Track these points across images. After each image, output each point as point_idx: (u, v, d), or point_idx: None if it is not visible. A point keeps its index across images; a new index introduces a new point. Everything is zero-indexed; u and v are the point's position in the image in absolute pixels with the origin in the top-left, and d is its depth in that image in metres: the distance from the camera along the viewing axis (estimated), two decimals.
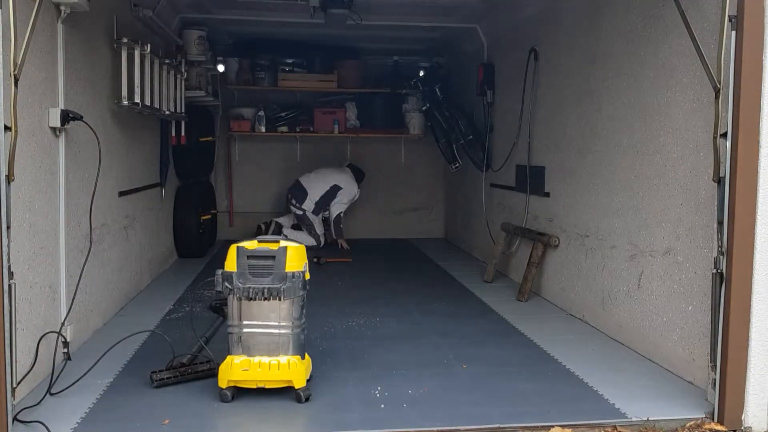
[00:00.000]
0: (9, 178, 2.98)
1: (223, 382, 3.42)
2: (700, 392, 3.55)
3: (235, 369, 3.40)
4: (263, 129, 8.92)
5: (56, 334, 3.78)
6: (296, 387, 3.40)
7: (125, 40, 4.91)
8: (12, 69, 3.01)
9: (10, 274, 2.99)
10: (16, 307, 3.08)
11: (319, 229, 8.40)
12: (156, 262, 6.52)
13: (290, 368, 3.39)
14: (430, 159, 9.21)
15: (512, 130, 6.45)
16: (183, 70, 6.81)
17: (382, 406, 3.43)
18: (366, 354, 4.27)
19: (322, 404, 3.45)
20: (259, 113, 8.88)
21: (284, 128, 9.01)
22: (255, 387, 3.43)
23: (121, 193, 5.25)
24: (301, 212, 8.32)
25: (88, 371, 3.66)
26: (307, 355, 3.58)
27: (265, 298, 3.39)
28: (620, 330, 4.48)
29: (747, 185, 3.18)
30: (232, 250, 3.47)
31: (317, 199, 8.30)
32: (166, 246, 7.04)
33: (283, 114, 9.06)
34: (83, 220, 4.19)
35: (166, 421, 3.19)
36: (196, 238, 7.61)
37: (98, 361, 3.76)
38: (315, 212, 8.34)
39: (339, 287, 6.31)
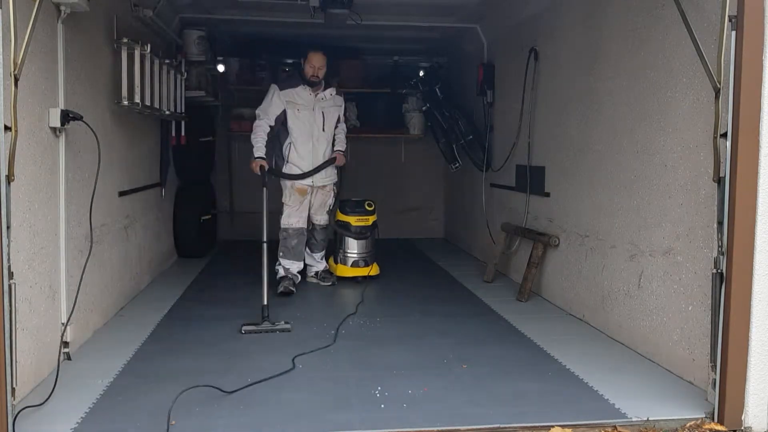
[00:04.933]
0: (9, 178, 2.98)
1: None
2: (700, 392, 3.55)
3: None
4: None
5: (56, 334, 3.79)
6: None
7: (125, 40, 4.91)
8: (12, 69, 3.01)
9: (10, 274, 2.99)
10: (16, 307, 3.08)
11: None
12: (156, 262, 6.52)
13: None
14: (430, 159, 9.20)
15: (512, 130, 6.46)
16: (183, 70, 6.81)
17: (382, 406, 3.43)
18: (366, 354, 4.27)
19: (322, 404, 3.46)
20: None
21: None
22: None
23: (121, 193, 5.25)
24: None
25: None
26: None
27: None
28: (620, 330, 4.48)
29: (747, 185, 3.18)
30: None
31: None
32: (166, 246, 7.04)
33: None
34: (83, 220, 4.19)
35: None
36: (196, 238, 7.61)
37: None
38: None
39: (339, 287, 6.31)
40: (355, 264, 6.51)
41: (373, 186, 9.22)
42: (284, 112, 5.99)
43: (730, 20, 3.19)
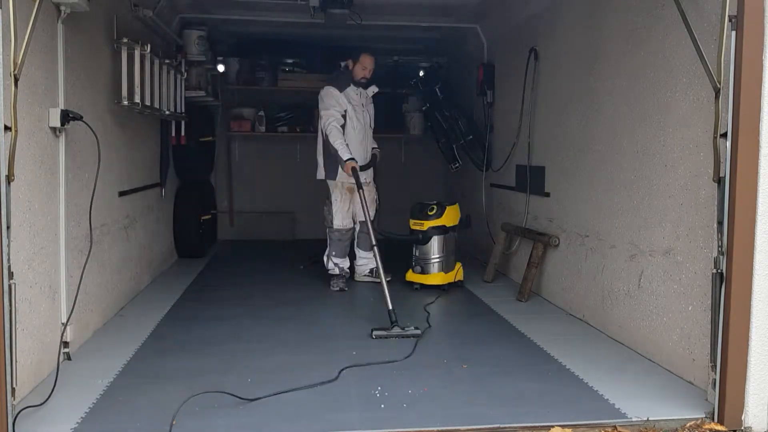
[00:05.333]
0: (9, 178, 2.98)
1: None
2: (700, 392, 3.55)
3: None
4: (263, 129, 8.92)
5: (56, 334, 3.79)
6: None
7: (125, 40, 4.91)
8: (12, 69, 3.01)
9: (10, 274, 2.99)
10: (16, 308, 3.08)
11: None
12: (156, 262, 6.52)
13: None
14: (430, 159, 9.20)
15: (512, 130, 6.45)
16: (183, 70, 6.82)
17: (382, 406, 3.43)
18: (366, 354, 4.27)
19: (322, 404, 3.46)
20: (260, 113, 8.89)
21: (284, 128, 9.01)
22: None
23: (121, 193, 5.25)
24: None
25: None
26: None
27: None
28: (620, 330, 4.48)
29: (747, 185, 3.18)
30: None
31: None
32: (166, 246, 7.04)
33: (283, 114, 9.06)
34: (83, 220, 4.19)
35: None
36: (196, 238, 7.61)
37: None
38: None
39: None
40: (414, 269, 6.19)
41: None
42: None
43: (730, 20, 3.18)
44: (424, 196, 8.48)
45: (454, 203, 6.35)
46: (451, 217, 6.19)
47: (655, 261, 4.08)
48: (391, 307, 4.78)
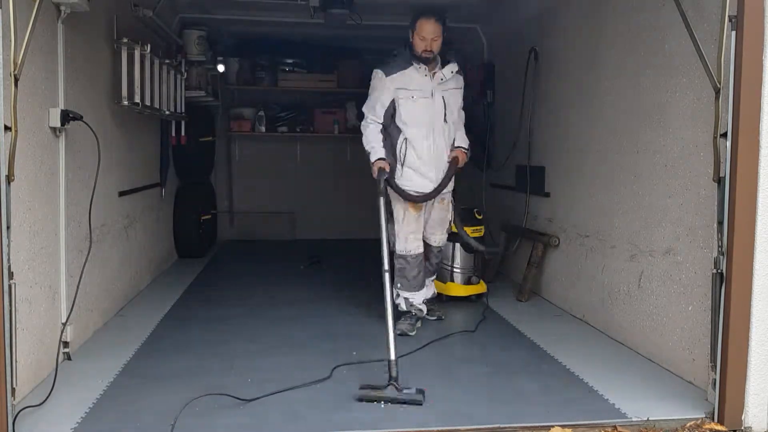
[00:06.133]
0: (9, 178, 2.98)
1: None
2: (700, 392, 3.55)
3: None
4: (263, 129, 8.91)
5: (56, 334, 3.79)
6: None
7: (125, 40, 4.91)
8: (12, 69, 3.01)
9: (10, 274, 2.99)
10: (16, 308, 3.08)
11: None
12: (156, 263, 6.52)
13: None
14: None
15: (512, 130, 6.45)
16: (183, 70, 6.81)
17: (382, 406, 3.42)
18: (366, 354, 4.27)
19: (322, 404, 3.45)
20: (259, 113, 8.88)
21: (284, 128, 9.01)
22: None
23: (121, 193, 5.25)
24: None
25: None
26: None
27: None
28: (620, 330, 4.48)
29: (747, 185, 3.18)
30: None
31: None
32: (166, 246, 7.04)
33: (283, 114, 9.05)
34: (83, 220, 4.19)
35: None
36: (196, 238, 7.61)
37: None
38: None
39: (338, 287, 6.31)
40: (467, 281, 5.67)
41: (372, 186, 9.22)
42: (393, 104, 4.66)
43: (730, 20, 3.18)
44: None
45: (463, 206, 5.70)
46: None
47: (655, 261, 4.08)
48: (393, 358, 3.63)
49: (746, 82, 3.15)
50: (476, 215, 5.59)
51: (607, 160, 4.70)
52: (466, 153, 4.77)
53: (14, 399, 3.06)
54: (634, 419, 3.27)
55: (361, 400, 3.47)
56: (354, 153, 9.28)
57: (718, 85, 3.27)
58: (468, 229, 5.30)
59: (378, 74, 4.71)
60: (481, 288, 5.72)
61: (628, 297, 4.39)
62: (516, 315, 5.22)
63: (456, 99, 4.77)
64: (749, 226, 3.20)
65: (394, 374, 3.57)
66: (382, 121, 4.67)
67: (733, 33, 3.19)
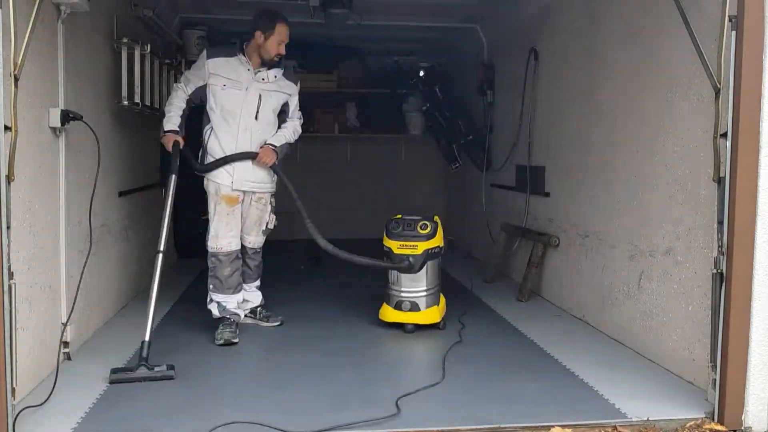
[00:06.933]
0: (9, 178, 2.98)
1: None
2: (700, 392, 3.55)
3: None
4: None
5: (56, 334, 3.79)
6: None
7: (125, 40, 4.91)
8: (12, 69, 3.01)
9: (10, 274, 2.99)
10: (16, 308, 3.08)
11: None
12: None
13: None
14: (430, 159, 9.20)
15: (512, 130, 6.45)
16: (183, 70, 6.80)
17: (382, 405, 3.43)
18: (366, 354, 4.27)
19: (322, 404, 3.46)
20: None
21: None
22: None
23: (121, 193, 5.25)
24: None
25: None
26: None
27: None
28: (620, 330, 4.48)
29: (747, 185, 3.18)
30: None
31: None
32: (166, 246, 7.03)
33: None
34: (83, 220, 4.19)
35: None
36: (196, 238, 7.59)
37: None
38: None
39: (338, 288, 6.31)
40: (398, 306, 4.72)
41: (373, 186, 9.24)
42: (204, 88, 4.55)
43: (730, 20, 3.18)
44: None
45: (434, 215, 5.00)
46: (440, 234, 4.88)
47: (655, 261, 4.08)
48: (147, 339, 3.84)
49: (746, 82, 3.15)
50: (420, 229, 4.74)
51: (606, 160, 4.70)
52: (275, 151, 4.71)
53: (14, 399, 3.06)
54: (634, 419, 3.27)
55: (113, 383, 3.62)
56: (354, 153, 9.31)
57: (718, 85, 3.27)
58: (394, 244, 4.70)
59: (203, 55, 4.64)
60: (426, 317, 4.67)
61: (627, 297, 4.39)
62: (516, 315, 5.22)
63: (276, 101, 4.73)
64: (749, 226, 3.20)
65: (144, 354, 3.78)
66: (188, 95, 4.54)
67: (733, 33, 3.19)
